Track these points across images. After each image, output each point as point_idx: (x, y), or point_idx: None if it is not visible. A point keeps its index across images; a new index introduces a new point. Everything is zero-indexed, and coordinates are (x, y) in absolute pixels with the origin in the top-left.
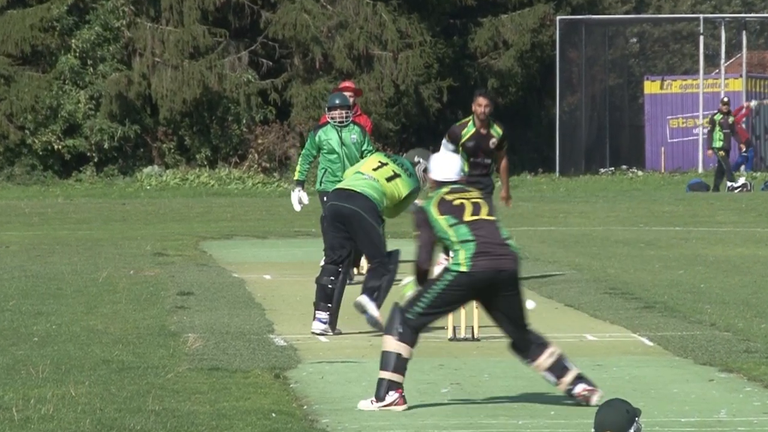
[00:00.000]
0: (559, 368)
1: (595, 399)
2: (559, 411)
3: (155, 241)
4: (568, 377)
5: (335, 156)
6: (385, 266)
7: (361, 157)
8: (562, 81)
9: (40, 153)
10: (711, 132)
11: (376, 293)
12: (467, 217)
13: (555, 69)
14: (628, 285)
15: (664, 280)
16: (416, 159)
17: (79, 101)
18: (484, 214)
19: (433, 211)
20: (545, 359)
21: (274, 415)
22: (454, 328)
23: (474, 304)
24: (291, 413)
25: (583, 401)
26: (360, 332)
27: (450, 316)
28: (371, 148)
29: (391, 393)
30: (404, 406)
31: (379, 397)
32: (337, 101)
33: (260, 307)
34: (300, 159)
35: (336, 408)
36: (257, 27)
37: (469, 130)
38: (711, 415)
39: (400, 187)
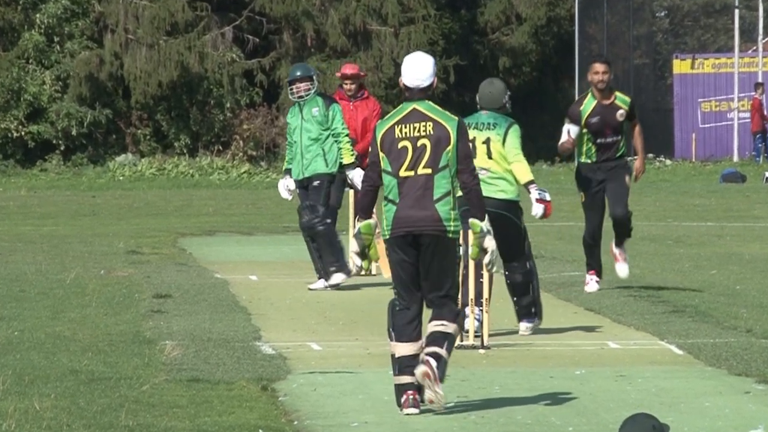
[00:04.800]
0: (439, 337)
1: (420, 370)
2: (578, 427)
3: (129, 238)
4: (434, 348)
5: (295, 135)
6: (526, 273)
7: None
8: (581, 59)
9: (0, 140)
10: None
11: (533, 308)
12: (402, 171)
13: (573, 46)
14: (654, 287)
15: (695, 281)
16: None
17: (44, 82)
18: (421, 167)
19: (378, 140)
20: (438, 322)
21: (261, 431)
22: (462, 335)
23: (484, 308)
24: (280, 429)
25: (424, 365)
26: (356, 339)
27: None
28: (341, 128)
29: (403, 396)
30: (412, 410)
31: (398, 404)
32: (299, 73)
33: (245, 311)
34: (287, 148)
35: (330, 423)
36: (242, 0)
37: (589, 104)
38: (747, 430)
39: (501, 151)
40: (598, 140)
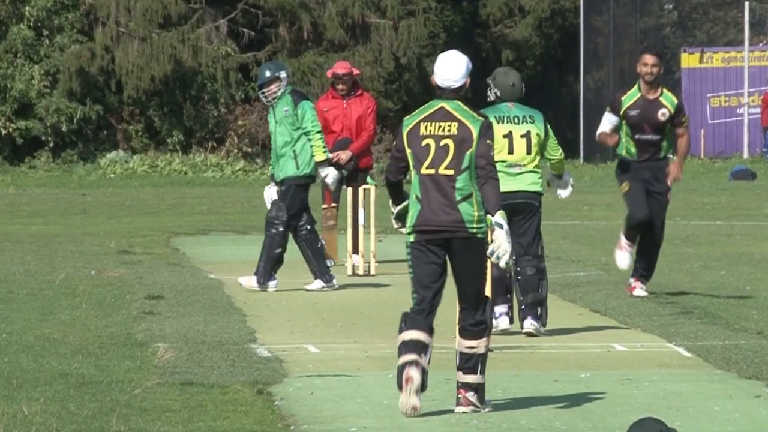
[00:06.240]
0: (471, 363)
1: (461, 410)
2: None
3: (120, 238)
4: (469, 378)
5: (273, 137)
6: (538, 269)
7: (301, 134)
8: (586, 53)
9: None
10: None
11: (540, 309)
12: (423, 169)
13: (578, 39)
14: (662, 287)
15: (703, 281)
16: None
17: (32, 77)
18: (443, 167)
19: (404, 136)
20: (467, 344)
21: None
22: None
23: None
24: None
25: (462, 405)
26: (355, 342)
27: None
28: (311, 125)
29: (405, 367)
30: (414, 371)
31: (398, 386)
32: (268, 74)
33: (240, 312)
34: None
35: (327, 428)
36: None
37: (633, 95)
38: None
39: (538, 144)
40: (636, 136)
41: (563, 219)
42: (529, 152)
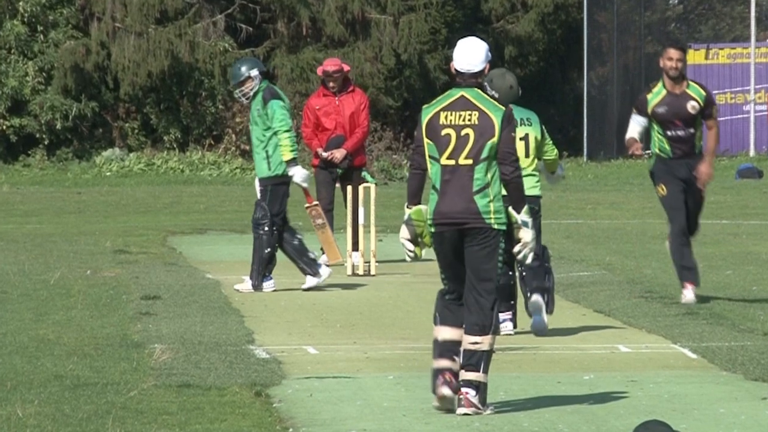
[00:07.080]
0: (474, 360)
1: (462, 411)
2: None
3: (116, 237)
4: (471, 375)
5: (251, 135)
6: (542, 264)
7: (270, 134)
8: (590, 49)
9: None
10: None
11: (546, 295)
12: (443, 159)
13: (582, 35)
14: (667, 288)
15: (709, 281)
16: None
17: (26, 74)
18: (462, 157)
19: (423, 126)
20: (470, 340)
21: None
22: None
23: None
24: None
25: (464, 406)
26: (354, 343)
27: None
28: (278, 124)
29: (439, 378)
30: (445, 389)
31: (432, 390)
32: (243, 69)
33: (238, 313)
34: None
35: (326, 431)
36: None
37: (658, 92)
38: None
39: (536, 147)
40: (668, 132)
41: (566, 218)
42: (527, 155)
